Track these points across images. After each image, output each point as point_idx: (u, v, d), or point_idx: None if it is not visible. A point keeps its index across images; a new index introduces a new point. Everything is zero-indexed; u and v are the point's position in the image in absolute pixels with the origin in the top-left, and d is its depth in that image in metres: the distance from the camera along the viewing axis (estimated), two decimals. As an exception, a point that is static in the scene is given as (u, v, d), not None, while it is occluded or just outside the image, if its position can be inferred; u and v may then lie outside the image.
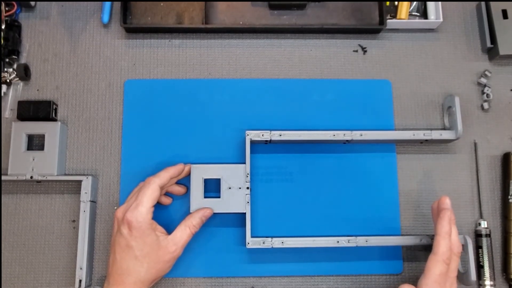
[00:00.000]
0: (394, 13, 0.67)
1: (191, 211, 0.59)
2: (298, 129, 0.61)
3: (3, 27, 0.64)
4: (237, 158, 0.63)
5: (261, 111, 0.65)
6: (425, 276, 0.52)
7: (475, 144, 0.65)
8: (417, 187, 0.64)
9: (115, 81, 0.66)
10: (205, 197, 0.59)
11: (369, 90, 0.66)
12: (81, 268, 0.58)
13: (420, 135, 0.61)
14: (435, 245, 0.53)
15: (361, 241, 0.58)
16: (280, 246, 0.58)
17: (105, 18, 0.66)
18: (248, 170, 0.59)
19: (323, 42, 0.68)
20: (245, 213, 0.59)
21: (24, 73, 0.64)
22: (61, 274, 0.61)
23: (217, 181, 0.60)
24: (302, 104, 0.65)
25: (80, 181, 0.61)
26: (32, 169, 0.60)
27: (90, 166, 0.64)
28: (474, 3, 0.70)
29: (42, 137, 0.62)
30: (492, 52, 0.67)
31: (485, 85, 0.67)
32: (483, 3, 0.68)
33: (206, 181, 0.60)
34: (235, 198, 0.59)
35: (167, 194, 0.62)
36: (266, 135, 0.60)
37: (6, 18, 0.65)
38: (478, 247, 0.62)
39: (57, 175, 0.61)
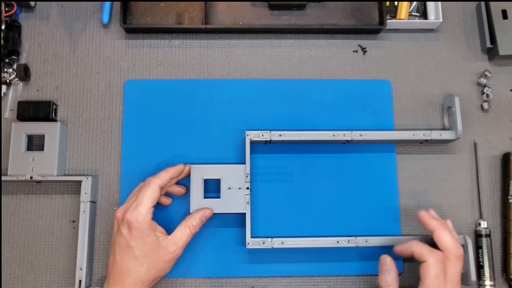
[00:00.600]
0: (394, 13, 0.67)
1: (191, 211, 0.59)
2: (298, 129, 0.61)
3: (3, 27, 0.64)
4: (237, 158, 0.63)
5: (261, 112, 0.65)
6: (422, 283, 0.52)
7: (475, 144, 0.65)
8: (417, 187, 0.64)
9: (115, 81, 0.66)
10: (205, 197, 0.59)
11: (369, 90, 0.66)
12: (81, 269, 0.58)
13: (420, 135, 0.61)
14: (439, 241, 0.53)
15: (361, 241, 0.59)
16: (280, 246, 0.58)
17: (105, 18, 0.67)
18: (248, 171, 0.59)
19: (323, 42, 0.68)
20: (245, 213, 0.59)
21: (24, 74, 0.64)
22: (61, 274, 0.61)
23: (217, 182, 0.60)
24: (302, 104, 0.65)
25: (80, 182, 0.61)
26: (32, 170, 0.60)
27: (90, 166, 0.64)
28: (474, 3, 0.70)
29: (42, 137, 0.62)
30: (492, 52, 0.67)
31: (485, 85, 0.67)
32: (482, 3, 0.68)
33: (206, 181, 0.60)
34: (235, 199, 0.59)
35: (167, 194, 0.62)
36: (266, 135, 0.60)
37: (6, 18, 0.65)
38: (478, 247, 0.62)
39: (57, 175, 0.61)
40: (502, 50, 0.65)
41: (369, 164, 0.64)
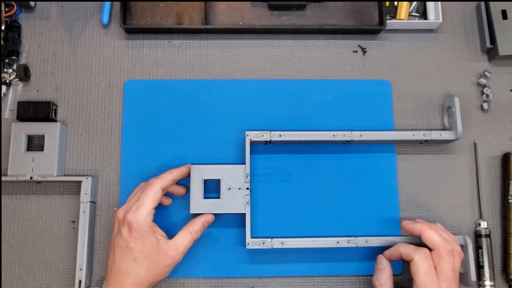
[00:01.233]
0: (393, 14, 0.67)
1: (191, 212, 0.59)
2: (298, 130, 0.61)
3: (2, 27, 0.64)
4: (237, 158, 0.63)
5: (260, 112, 0.65)
6: (414, 282, 0.53)
7: (475, 145, 0.66)
8: (417, 187, 0.64)
9: (115, 81, 0.66)
10: (204, 197, 0.59)
11: (368, 91, 0.66)
12: (80, 269, 0.58)
13: (419, 135, 0.61)
14: (427, 240, 0.54)
15: (361, 241, 0.59)
16: (280, 246, 0.58)
17: (105, 18, 0.67)
18: (248, 171, 0.59)
19: (322, 42, 0.68)
20: (245, 213, 0.58)
21: (24, 74, 0.64)
22: (60, 275, 0.61)
23: (217, 182, 0.60)
24: (302, 104, 0.65)
25: (80, 182, 0.61)
26: (32, 170, 0.60)
27: (90, 166, 0.64)
28: (474, 4, 0.70)
29: (41, 137, 0.62)
30: (491, 53, 0.67)
31: (484, 86, 0.67)
32: (482, 4, 0.68)
33: (206, 182, 0.60)
34: (235, 199, 0.59)
35: (167, 194, 0.62)
36: (266, 136, 0.60)
37: (6, 18, 0.65)
38: (478, 247, 0.62)
39: (56, 175, 0.61)
40: (502, 50, 0.65)
41: (369, 165, 0.64)
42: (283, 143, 0.63)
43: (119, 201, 0.63)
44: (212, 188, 0.61)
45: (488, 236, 0.62)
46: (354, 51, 0.68)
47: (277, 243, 0.58)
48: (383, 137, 0.62)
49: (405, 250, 0.55)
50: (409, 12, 0.67)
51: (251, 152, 0.61)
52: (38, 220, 0.62)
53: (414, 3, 0.68)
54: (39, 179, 0.60)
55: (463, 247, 0.58)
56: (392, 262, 0.59)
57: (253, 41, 0.68)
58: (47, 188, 0.63)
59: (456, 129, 0.61)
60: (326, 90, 0.66)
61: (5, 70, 0.64)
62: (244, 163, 0.60)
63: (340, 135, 0.61)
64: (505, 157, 0.64)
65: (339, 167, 0.64)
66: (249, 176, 0.59)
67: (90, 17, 0.68)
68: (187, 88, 0.66)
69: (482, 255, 0.61)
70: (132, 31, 0.67)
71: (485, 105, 0.66)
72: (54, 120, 0.64)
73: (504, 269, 0.62)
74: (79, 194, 0.60)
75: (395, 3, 0.67)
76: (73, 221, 0.62)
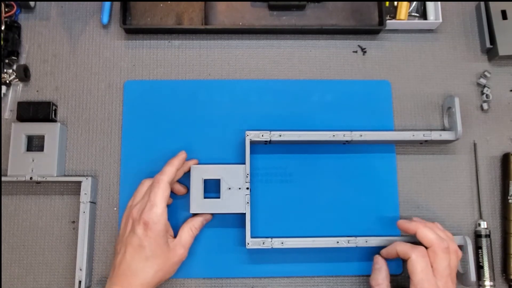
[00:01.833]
0: (393, 14, 0.67)
1: (191, 212, 0.59)
2: (297, 130, 0.61)
3: (2, 28, 0.64)
4: (237, 158, 0.63)
5: (260, 112, 0.65)
6: (411, 280, 0.53)
7: (475, 145, 0.66)
8: (417, 188, 0.64)
9: (115, 82, 0.66)
10: (205, 197, 0.59)
11: (368, 91, 0.66)
12: (80, 269, 0.58)
13: (419, 136, 0.62)
14: (422, 239, 0.54)
15: (360, 241, 0.59)
16: (280, 246, 0.58)
17: (105, 19, 0.67)
18: (248, 171, 0.59)
19: (322, 42, 0.68)
20: (245, 213, 0.59)
21: (24, 74, 0.64)
22: (60, 275, 0.61)
23: (217, 182, 0.60)
24: (302, 105, 0.65)
25: (79, 182, 0.61)
26: (32, 170, 0.60)
27: (90, 167, 0.64)
28: (474, 4, 0.70)
29: (41, 138, 0.62)
30: (491, 53, 0.67)
31: (484, 86, 0.67)
32: (482, 4, 0.68)
33: (206, 182, 0.60)
34: (235, 199, 0.59)
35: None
36: (266, 136, 0.60)
37: (6, 19, 0.65)
38: (477, 247, 0.62)
39: (56, 176, 0.61)
40: (502, 51, 0.65)
41: (369, 165, 0.64)
42: (283, 143, 0.63)
43: (119, 201, 0.63)
44: (212, 188, 0.61)
45: (488, 236, 0.62)
46: (354, 51, 0.68)
47: (277, 243, 0.58)
48: (383, 137, 0.62)
49: (402, 248, 0.55)
50: (409, 12, 0.67)
51: (251, 152, 0.61)
52: (38, 221, 0.62)
53: (414, 3, 0.68)
54: (39, 179, 0.60)
55: (463, 247, 0.58)
56: (392, 262, 0.59)
57: (253, 41, 0.68)
58: (47, 189, 0.63)
59: (456, 130, 0.61)
60: (326, 90, 0.66)
61: (5, 70, 0.64)
62: (244, 163, 0.60)
63: (340, 135, 0.61)
64: (505, 157, 0.64)
65: (339, 167, 0.64)
66: (249, 176, 0.59)
67: (90, 17, 0.68)
68: (187, 88, 0.66)
69: (482, 255, 0.61)
70: (132, 31, 0.67)
71: (485, 105, 0.66)
72: (54, 121, 0.64)
73: (504, 269, 0.62)
74: (79, 194, 0.60)
75: (395, 3, 0.67)
76: (73, 222, 0.62)
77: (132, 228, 0.55)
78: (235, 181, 0.59)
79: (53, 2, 0.68)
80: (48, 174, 0.60)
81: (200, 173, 0.60)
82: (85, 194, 0.60)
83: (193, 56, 0.67)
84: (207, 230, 0.61)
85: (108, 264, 0.61)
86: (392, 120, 0.66)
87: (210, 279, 0.61)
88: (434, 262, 0.53)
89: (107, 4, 0.67)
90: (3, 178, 0.60)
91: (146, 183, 0.58)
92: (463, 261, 0.58)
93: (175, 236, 0.58)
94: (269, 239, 0.58)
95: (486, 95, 0.66)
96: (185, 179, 0.61)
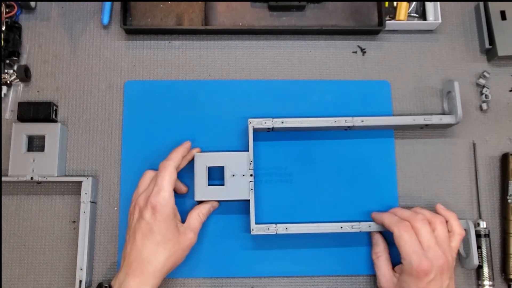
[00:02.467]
0: (393, 14, 0.67)
1: (195, 199, 0.59)
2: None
3: (3, 28, 0.64)
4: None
5: (260, 112, 0.65)
6: (401, 256, 0.54)
7: (474, 145, 0.66)
8: (416, 188, 0.64)
9: (115, 82, 0.66)
10: (209, 185, 0.60)
11: (368, 91, 0.66)
12: (81, 269, 0.59)
13: (420, 120, 0.62)
14: (389, 226, 0.56)
15: (364, 226, 0.59)
16: (285, 232, 0.58)
17: (105, 19, 0.67)
18: (252, 158, 0.59)
19: (322, 43, 0.68)
20: (249, 200, 0.59)
21: (25, 75, 0.64)
22: (61, 275, 0.61)
23: (221, 169, 0.60)
24: (302, 105, 0.65)
25: (80, 182, 0.61)
26: (33, 170, 0.61)
27: (90, 167, 0.64)
28: (473, 4, 0.70)
29: (42, 138, 0.62)
30: (490, 53, 0.67)
31: (483, 86, 0.67)
32: (481, 4, 0.68)
33: (210, 169, 0.60)
34: (239, 185, 0.59)
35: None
36: (268, 123, 0.60)
37: (7, 19, 0.65)
38: (477, 247, 0.62)
39: (57, 176, 0.61)
40: (501, 51, 0.65)
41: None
42: (285, 130, 0.63)
43: (119, 201, 0.63)
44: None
45: (487, 236, 0.62)
46: (353, 52, 0.68)
47: (281, 229, 0.58)
48: (384, 122, 0.62)
49: (388, 221, 0.56)
50: (408, 13, 0.67)
51: (254, 140, 0.61)
52: (39, 220, 0.62)
53: (413, 3, 0.68)
54: (40, 179, 0.60)
55: (466, 232, 0.59)
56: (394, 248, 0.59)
57: (253, 42, 0.68)
58: (47, 189, 0.63)
59: (456, 113, 0.61)
60: (325, 91, 0.66)
61: (5, 71, 0.65)
62: (247, 150, 0.60)
63: (342, 121, 0.61)
64: (504, 157, 0.65)
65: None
66: (252, 162, 0.59)
67: (90, 18, 0.68)
68: (187, 88, 0.66)
69: (481, 255, 0.61)
70: (132, 32, 0.67)
71: (484, 106, 0.66)
72: (54, 121, 0.64)
73: (503, 269, 0.62)
74: (80, 194, 0.61)
75: (394, 3, 0.67)
76: (74, 221, 0.62)
77: (140, 215, 0.54)
78: (239, 168, 0.60)
79: (53, 3, 0.68)
80: (48, 174, 0.61)
81: (204, 161, 0.60)
82: (86, 194, 0.60)
83: (193, 56, 0.67)
84: (208, 231, 0.61)
85: (109, 264, 0.62)
86: (391, 120, 0.66)
87: (210, 278, 0.61)
88: (418, 235, 0.54)
89: (108, 4, 0.67)
90: (4, 178, 0.60)
91: (149, 173, 0.59)
92: (466, 245, 0.59)
93: (183, 222, 0.58)
94: (274, 225, 0.58)
95: (485, 95, 0.66)
96: (186, 179, 0.62)
